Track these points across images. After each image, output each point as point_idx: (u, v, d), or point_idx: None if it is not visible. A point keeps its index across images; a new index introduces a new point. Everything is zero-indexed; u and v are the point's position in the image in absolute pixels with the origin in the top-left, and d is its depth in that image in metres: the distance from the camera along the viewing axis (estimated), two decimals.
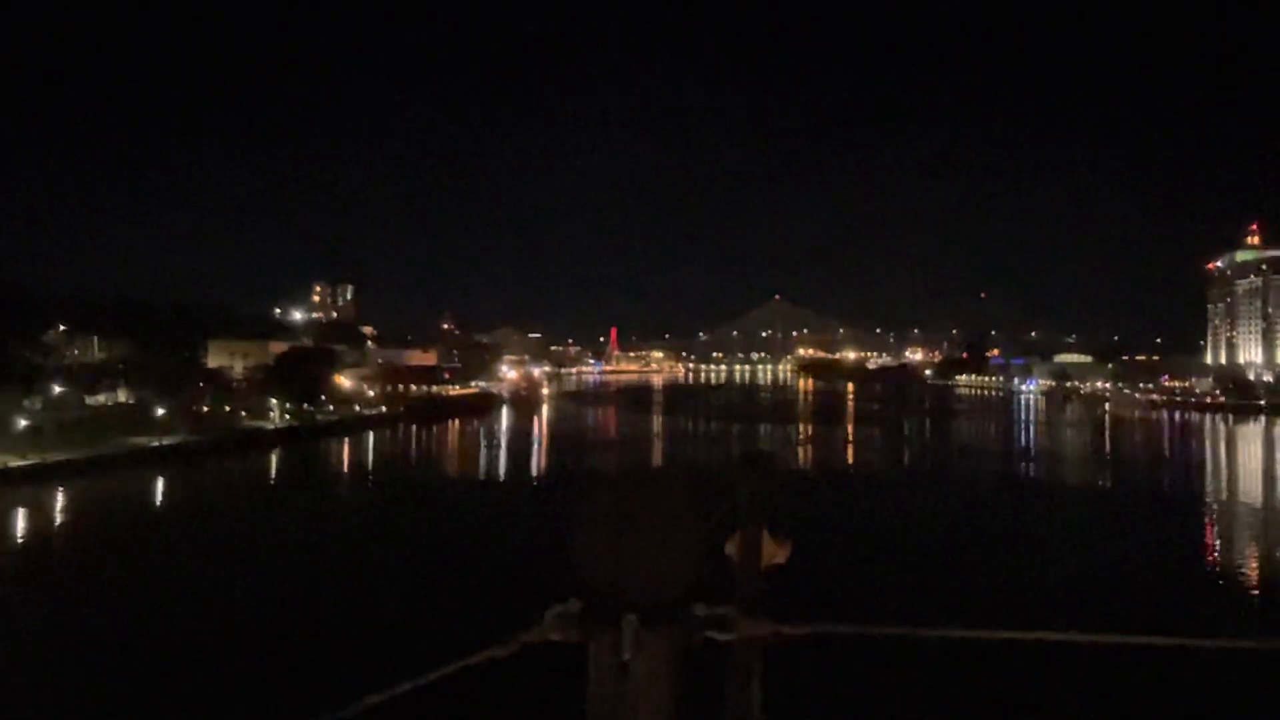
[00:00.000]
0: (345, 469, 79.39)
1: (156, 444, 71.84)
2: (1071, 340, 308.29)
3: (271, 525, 49.21)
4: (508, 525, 48.99)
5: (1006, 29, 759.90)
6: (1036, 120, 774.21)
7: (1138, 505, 59.21)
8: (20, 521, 49.55)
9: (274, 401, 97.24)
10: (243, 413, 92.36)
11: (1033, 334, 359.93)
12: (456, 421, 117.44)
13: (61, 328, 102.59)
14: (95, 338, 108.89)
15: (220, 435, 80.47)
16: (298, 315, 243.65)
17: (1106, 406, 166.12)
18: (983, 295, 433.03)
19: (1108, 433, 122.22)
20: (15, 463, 57.26)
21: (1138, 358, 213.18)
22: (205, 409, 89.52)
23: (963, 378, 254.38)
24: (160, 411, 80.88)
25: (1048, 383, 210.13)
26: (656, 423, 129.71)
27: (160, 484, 61.60)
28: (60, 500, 53.87)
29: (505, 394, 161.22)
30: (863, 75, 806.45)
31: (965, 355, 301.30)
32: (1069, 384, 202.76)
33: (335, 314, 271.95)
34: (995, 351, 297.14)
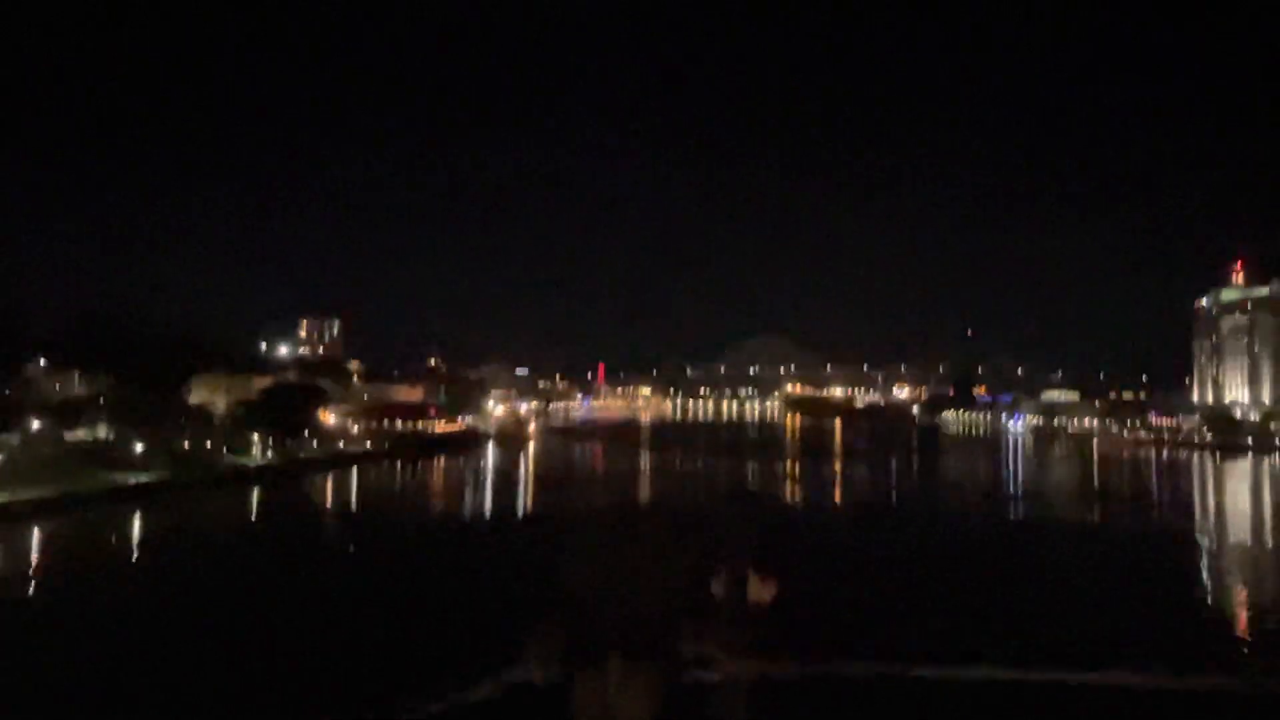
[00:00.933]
0: (326, 506, 78.42)
1: (134, 481, 70.71)
2: (1058, 377, 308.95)
3: (243, 564, 48.07)
4: (489, 563, 48.15)
5: (990, 66, 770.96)
6: (1023, 160, 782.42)
7: (1132, 543, 58.82)
8: None
9: (256, 438, 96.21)
10: (225, 449, 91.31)
11: (1019, 371, 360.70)
12: (442, 458, 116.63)
13: (42, 361, 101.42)
14: (76, 372, 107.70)
15: (200, 472, 79.47)
16: (284, 350, 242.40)
17: (1094, 444, 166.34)
18: (970, 333, 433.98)
19: (1096, 470, 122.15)
20: None
21: (1125, 395, 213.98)
22: (187, 445, 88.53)
23: (950, 415, 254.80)
24: (139, 448, 79.85)
25: (1035, 420, 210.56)
26: (643, 459, 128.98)
27: (132, 522, 60.45)
28: (21, 540, 52.61)
29: (492, 430, 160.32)
30: (851, 111, 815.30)
31: (952, 393, 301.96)
32: (1056, 421, 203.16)
33: (322, 349, 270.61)
34: (983, 389, 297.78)
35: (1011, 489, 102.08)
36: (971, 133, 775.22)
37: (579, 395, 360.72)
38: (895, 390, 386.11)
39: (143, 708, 26.60)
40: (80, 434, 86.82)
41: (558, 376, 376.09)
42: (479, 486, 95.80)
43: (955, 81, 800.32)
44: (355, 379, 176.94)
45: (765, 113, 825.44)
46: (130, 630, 34.39)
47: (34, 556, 50.89)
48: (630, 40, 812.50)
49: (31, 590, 42.96)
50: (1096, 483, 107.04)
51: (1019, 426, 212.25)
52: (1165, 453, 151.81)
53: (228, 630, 34.71)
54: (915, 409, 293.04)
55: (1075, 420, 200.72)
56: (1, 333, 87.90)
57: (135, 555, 53.13)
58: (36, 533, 54.53)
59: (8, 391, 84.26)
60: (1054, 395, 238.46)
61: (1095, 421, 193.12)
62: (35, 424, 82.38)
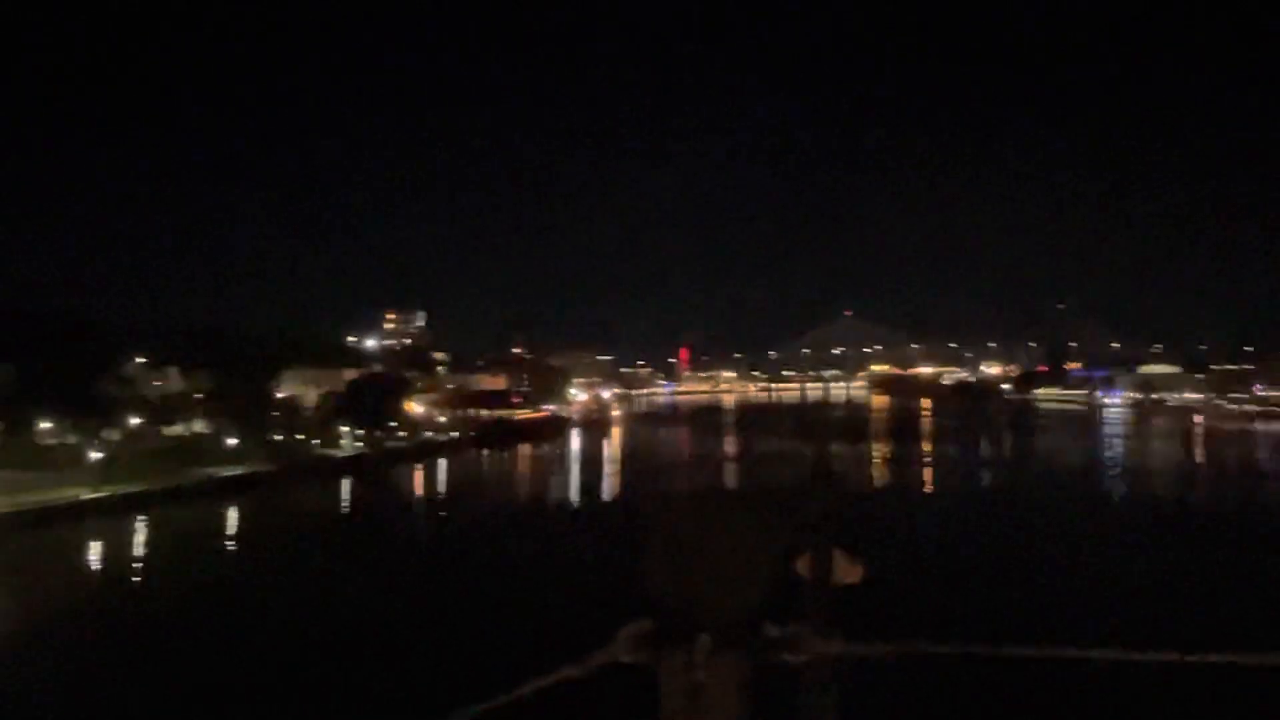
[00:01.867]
0: (414, 495, 79.25)
1: (228, 474, 72.36)
2: (1156, 350, 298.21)
3: (341, 552, 48.78)
4: (576, 547, 48.17)
5: (1081, 34, 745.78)
6: (1114, 125, 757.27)
7: (1249, 526, 55.84)
8: (92, 553, 49.86)
9: (344, 429, 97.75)
10: (315, 440, 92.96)
11: (1115, 345, 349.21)
12: (526, 445, 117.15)
13: (140, 360, 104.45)
14: (175, 369, 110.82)
15: (292, 464, 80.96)
16: (371, 342, 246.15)
17: (1197, 419, 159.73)
18: (1061, 306, 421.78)
19: (1201, 446, 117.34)
20: (87, 495, 57.91)
21: (1228, 367, 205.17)
22: (279, 437, 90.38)
23: (1042, 391, 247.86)
24: (233, 441, 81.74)
25: (1133, 395, 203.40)
26: (727, 443, 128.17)
27: (229, 514, 61.83)
28: (126, 532, 54.07)
29: (575, 417, 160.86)
30: (934, 81, 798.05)
31: (1044, 368, 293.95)
32: (1156, 396, 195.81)
33: (408, 340, 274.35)
34: (1076, 364, 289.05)
35: (1114, 469, 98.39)
36: (1060, 98, 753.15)
37: (662, 380, 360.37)
38: (985, 367, 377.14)
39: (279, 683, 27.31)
40: (178, 429, 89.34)
41: (640, 362, 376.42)
42: (564, 472, 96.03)
43: (1041, 45, 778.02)
44: (440, 368, 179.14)
45: (845, 88, 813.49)
46: (236, 617, 34.96)
47: (136, 548, 52.45)
48: (714, 29, 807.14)
49: (141, 578, 44.07)
50: (1206, 460, 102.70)
51: (1116, 401, 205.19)
52: (1276, 424, 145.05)
53: (333, 615, 35.31)
54: (1006, 386, 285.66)
55: (1176, 394, 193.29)
56: (99, 333, 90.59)
57: (234, 545, 54.50)
58: (137, 525, 56.11)
59: (108, 388, 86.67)
60: (1152, 368, 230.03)
61: (1198, 395, 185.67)
62: (135, 420, 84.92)
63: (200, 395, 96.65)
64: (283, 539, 54.18)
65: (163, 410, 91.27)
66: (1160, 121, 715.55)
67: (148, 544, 53.03)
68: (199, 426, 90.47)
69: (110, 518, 55.95)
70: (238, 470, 74.16)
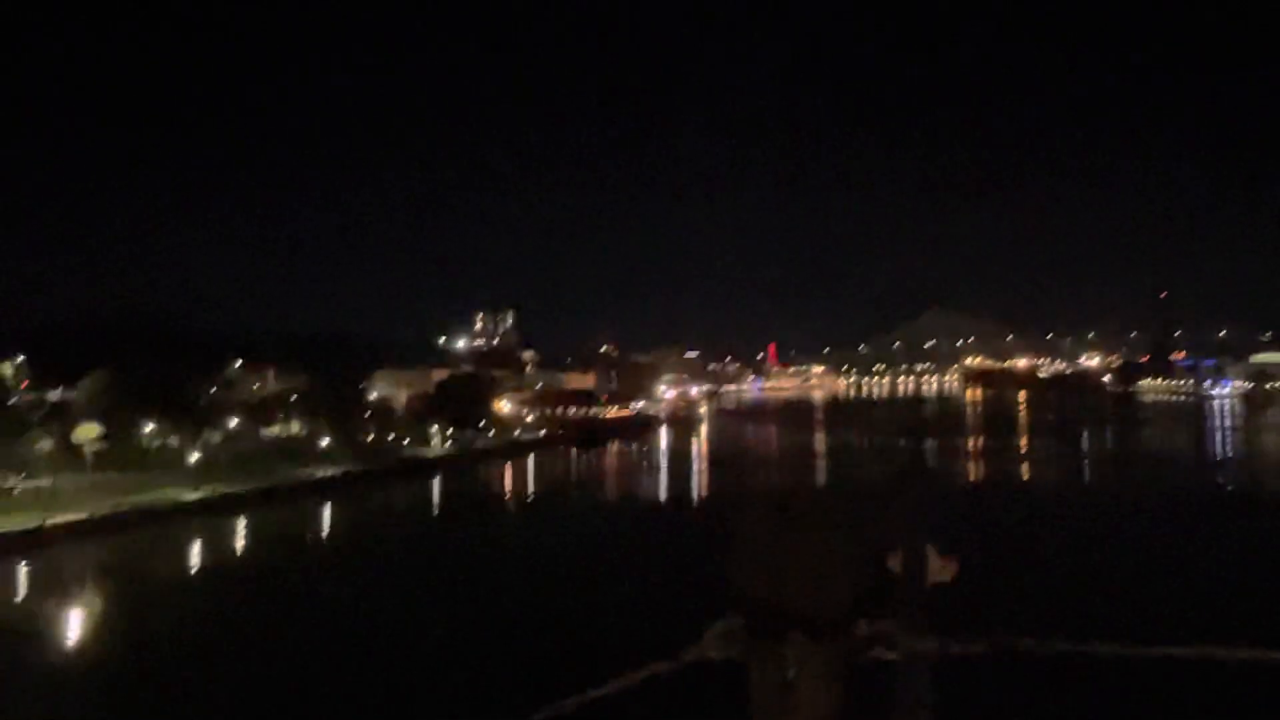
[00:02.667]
0: (502, 493, 79.72)
1: (321, 475, 73.65)
2: (1266, 339, 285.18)
3: (435, 554, 49.28)
4: (666, 545, 47.81)
5: (1177, 16, 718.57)
6: (1208, 104, 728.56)
7: None
8: (193, 553, 51.10)
9: (434, 429, 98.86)
10: (405, 440, 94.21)
11: (1222, 333, 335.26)
12: (615, 443, 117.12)
13: (238, 364, 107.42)
14: (271, 372, 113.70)
15: (383, 464, 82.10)
16: (461, 343, 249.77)
17: None
18: (1163, 294, 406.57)
19: None
20: (189, 495, 59.40)
21: None
22: (370, 438, 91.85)
23: (1146, 383, 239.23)
24: (325, 441, 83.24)
25: (1244, 385, 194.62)
26: (817, 439, 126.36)
27: (321, 513, 62.93)
28: (220, 532, 55.31)
29: (663, 414, 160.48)
30: (1026, 69, 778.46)
31: (1147, 359, 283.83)
32: (1271, 386, 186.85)
33: (496, 340, 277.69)
34: (1181, 354, 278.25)
35: (1223, 465, 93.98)
36: (1162, 80, 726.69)
37: (750, 376, 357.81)
38: (1083, 358, 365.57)
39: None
40: (275, 430, 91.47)
41: (728, 358, 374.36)
42: (652, 470, 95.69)
43: (1141, 20, 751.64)
44: (529, 368, 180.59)
45: (935, 81, 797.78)
46: (325, 617, 35.36)
47: (236, 546, 53.75)
48: (797, 21, 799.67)
49: (239, 577, 44.91)
50: None
51: (1226, 392, 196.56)
52: None
53: (429, 611, 35.64)
54: (1106, 378, 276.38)
55: None
56: (198, 338, 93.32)
57: (330, 543, 55.60)
58: (237, 524, 57.42)
59: (207, 391, 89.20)
60: (1265, 357, 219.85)
61: None
62: (234, 422, 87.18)
63: (295, 397, 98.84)
64: (373, 537, 54.89)
65: (260, 413, 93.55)
66: (1265, 103, 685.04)
67: (238, 545, 54.22)
68: (294, 428, 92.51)
69: (205, 518, 57.20)
70: (330, 471, 75.37)
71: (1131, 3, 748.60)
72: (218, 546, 52.64)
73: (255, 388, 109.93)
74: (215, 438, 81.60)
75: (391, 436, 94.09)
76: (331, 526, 61.13)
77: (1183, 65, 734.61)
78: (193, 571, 48.24)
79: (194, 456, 69.31)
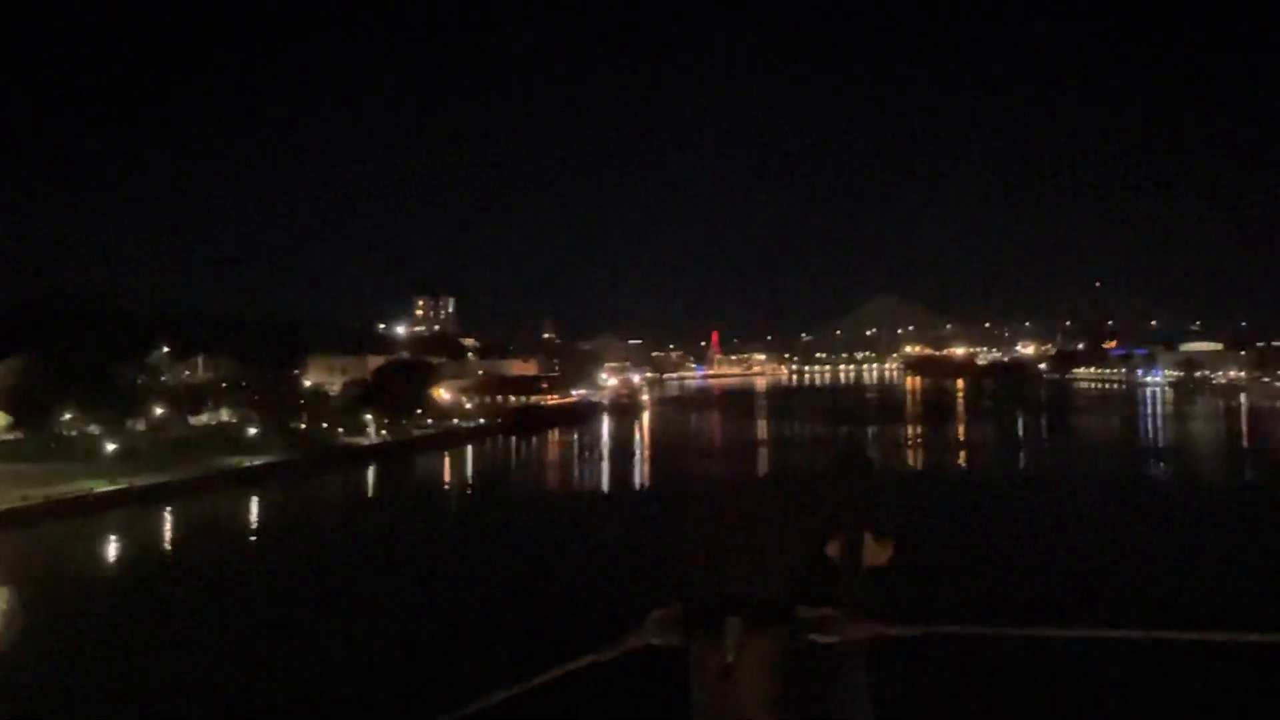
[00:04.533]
0: (436, 482, 78.08)
1: (250, 464, 71.40)
2: (1196, 328, 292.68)
3: (361, 546, 47.71)
4: (606, 533, 47.04)
5: (1116, 15, 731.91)
6: (1150, 97, 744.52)
7: None
8: (103, 547, 48.86)
9: (369, 417, 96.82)
10: (339, 429, 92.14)
11: (1153, 323, 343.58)
12: (556, 431, 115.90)
13: (165, 348, 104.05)
14: (201, 357, 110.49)
15: (315, 453, 79.98)
16: (401, 329, 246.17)
17: (1242, 398, 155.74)
18: (1098, 284, 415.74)
19: (1247, 425, 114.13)
20: (106, 487, 56.92)
21: (1274, 344, 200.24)
22: (303, 426, 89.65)
23: (1081, 371, 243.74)
24: (255, 430, 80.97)
25: (1175, 374, 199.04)
26: (759, 427, 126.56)
27: (246, 504, 60.82)
28: (135, 524, 52.93)
29: (606, 401, 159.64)
30: (966, 64, 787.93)
31: (1082, 347, 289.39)
32: (1199, 374, 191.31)
33: (437, 326, 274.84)
34: (1114, 343, 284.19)
35: (1153, 448, 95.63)
36: (1098, 74, 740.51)
37: (693, 364, 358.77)
38: (1020, 347, 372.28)
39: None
40: (204, 418, 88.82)
41: (671, 346, 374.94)
42: (593, 459, 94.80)
43: (1070, 14, 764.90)
44: (470, 355, 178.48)
45: (878, 67, 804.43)
46: (237, 612, 33.77)
47: (151, 540, 51.33)
48: (740, 7, 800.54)
49: (148, 572, 42.86)
50: (1261, 441, 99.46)
51: (1158, 380, 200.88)
52: None
53: (347, 607, 34.34)
54: (1042, 366, 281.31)
55: (1220, 372, 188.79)
56: (122, 321, 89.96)
57: (253, 536, 53.44)
58: (156, 517, 55.07)
59: (132, 377, 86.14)
60: (1194, 346, 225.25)
61: (1243, 372, 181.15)
62: (160, 410, 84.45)
63: (226, 384, 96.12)
64: (296, 528, 53.13)
65: (188, 399, 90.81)
66: (1197, 97, 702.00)
67: (153, 538, 51.75)
68: (224, 416, 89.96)
69: (122, 510, 54.73)
70: (259, 460, 73.10)
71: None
72: (132, 540, 50.17)
73: (185, 374, 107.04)
74: (140, 426, 79.01)
75: (326, 425, 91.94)
76: (255, 519, 58.98)
77: (1118, 61, 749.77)
78: (100, 566, 45.88)
79: (115, 446, 66.58)
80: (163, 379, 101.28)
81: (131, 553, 47.60)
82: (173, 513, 55.96)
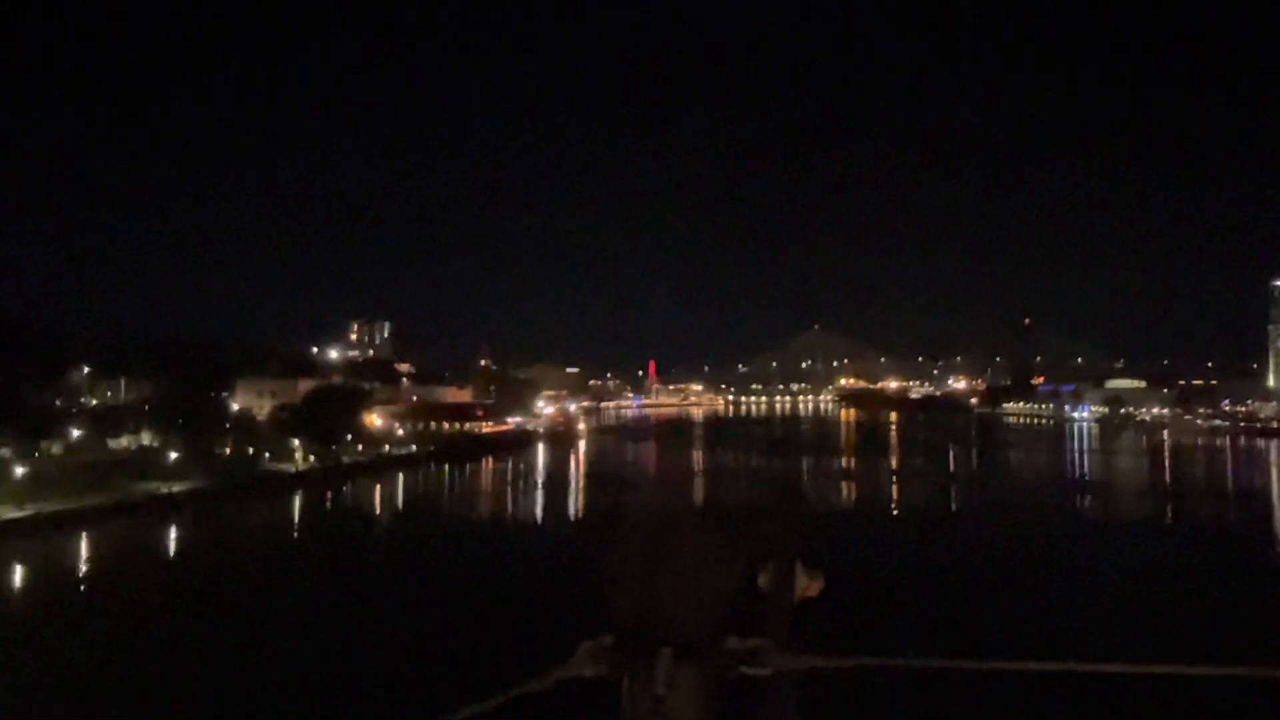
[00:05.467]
0: (361, 513, 75.95)
1: (168, 490, 68.78)
2: (1119, 366, 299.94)
3: (278, 580, 45.80)
4: (534, 566, 46.09)
5: (1049, 49, 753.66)
6: (1077, 141, 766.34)
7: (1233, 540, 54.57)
8: None
9: (297, 442, 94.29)
10: (266, 455, 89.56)
11: (1079, 360, 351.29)
12: (489, 460, 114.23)
13: (86, 369, 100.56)
14: (122, 379, 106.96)
15: (239, 479, 77.43)
16: (334, 354, 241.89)
17: (1165, 434, 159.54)
18: (1027, 321, 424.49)
19: (1172, 461, 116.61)
20: (12, 514, 54.11)
21: (1194, 382, 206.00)
22: (228, 451, 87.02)
23: (1010, 406, 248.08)
24: (180, 455, 78.22)
25: (1100, 410, 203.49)
26: (694, 458, 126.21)
27: (159, 534, 58.21)
28: (44, 554, 50.32)
29: (542, 430, 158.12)
30: (895, 101, 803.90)
31: (1011, 383, 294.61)
32: (1124, 411, 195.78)
33: (372, 351, 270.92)
34: (1040, 378, 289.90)
35: (1083, 483, 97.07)
36: (1027, 117, 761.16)
37: (630, 393, 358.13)
38: (951, 381, 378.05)
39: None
40: (124, 442, 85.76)
41: (608, 375, 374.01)
42: (526, 489, 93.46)
43: (1003, 60, 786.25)
44: (404, 381, 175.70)
45: (810, 104, 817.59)
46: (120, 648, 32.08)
47: (52, 570, 48.51)
48: (677, 41, 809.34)
49: (43, 607, 40.72)
50: (1176, 475, 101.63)
51: (1085, 416, 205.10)
52: (1242, 440, 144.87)
53: (251, 646, 32.72)
54: (973, 400, 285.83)
55: (1144, 409, 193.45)
56: (39, 340, 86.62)
57: (160, 567, 50.80)
58: (61, 546, 52.25)
59: (47, 399, 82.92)
60: (1119, 383, 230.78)
61: (1165, 410, 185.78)
62: (76, 433, 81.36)
63: (148, 406, 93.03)
64: (206, 562, 50.79)
65: (107, 423, 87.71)
66: (1122, 140, 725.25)
67: (54, 569, 48.89)
68: (145, 439, 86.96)
69: (24, 539, 51.88)
70: (179, 487, 70.49)
71: (991, 29, 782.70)
72: (31, 571, 47.54)
73: (107, 396, 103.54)
74: (55, 449, 75.99)
75: (252, 450, 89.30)
76: (166, 548, 56.28)
77: (1045, 106, 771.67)
78: None
79: (19, 471, 63.24)
80: (82, 400, 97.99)
81: (25, 582, 45.21)
82: (82, 541, 53.24)
